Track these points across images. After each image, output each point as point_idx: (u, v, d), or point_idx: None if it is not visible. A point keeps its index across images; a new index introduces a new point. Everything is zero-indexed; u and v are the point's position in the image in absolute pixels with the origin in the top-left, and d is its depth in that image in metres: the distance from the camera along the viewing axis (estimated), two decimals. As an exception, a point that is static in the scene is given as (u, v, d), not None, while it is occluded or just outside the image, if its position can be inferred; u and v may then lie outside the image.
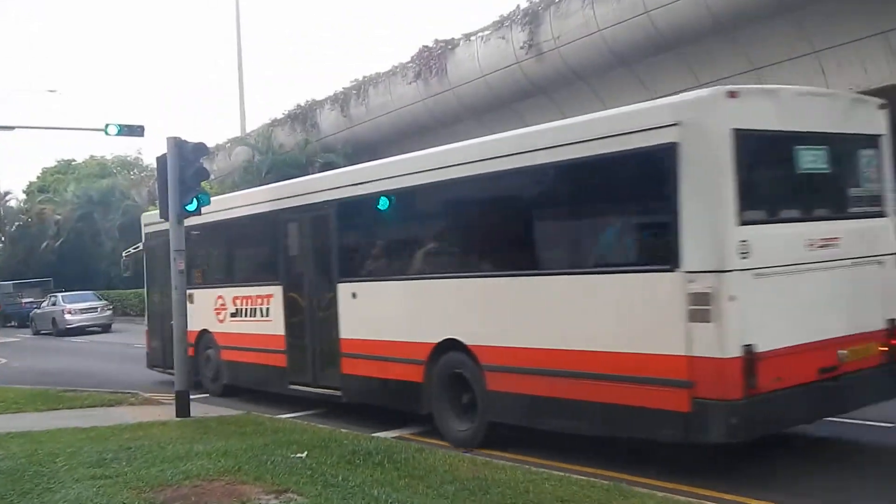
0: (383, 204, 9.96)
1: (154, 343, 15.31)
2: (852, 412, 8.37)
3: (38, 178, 68.48)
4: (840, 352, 7.54)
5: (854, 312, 7.78)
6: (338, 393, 10.79)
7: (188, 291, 12.35)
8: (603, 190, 7.92)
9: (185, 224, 11.66)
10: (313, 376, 10.97)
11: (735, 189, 6.99)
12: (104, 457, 8.48)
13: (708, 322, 6.90)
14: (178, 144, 11.53)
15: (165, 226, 12.46)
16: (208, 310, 13.40)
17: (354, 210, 10.26)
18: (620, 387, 7.53)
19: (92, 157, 67.52)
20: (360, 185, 10.44)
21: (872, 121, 8.33)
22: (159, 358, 15.09)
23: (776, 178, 7.75)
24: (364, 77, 28.27)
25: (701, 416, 7.00)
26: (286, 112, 32.32)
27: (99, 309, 31.28)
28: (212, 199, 11.95)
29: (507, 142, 8.73)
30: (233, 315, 12.99)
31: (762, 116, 7.36)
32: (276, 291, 11.98)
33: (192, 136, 11.74)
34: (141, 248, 15.82)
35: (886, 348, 7.95)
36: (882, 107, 8.44)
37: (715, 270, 6.93)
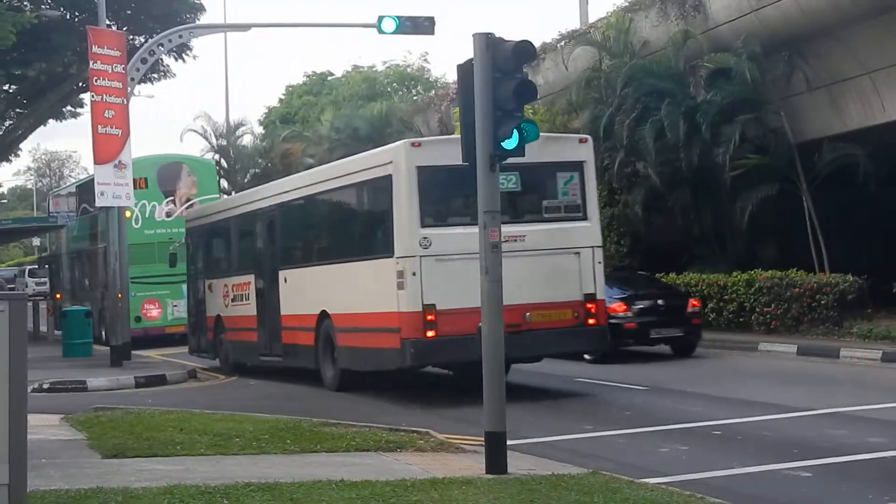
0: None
1: (192, 331, 28.84)
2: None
3: (281, 101, 73.85)
4: (526, 314, 18.10)
5: (543, 287, 18.42)
6: None
7: (209, 281, 27.70)
8: (369, 203, 20.45)
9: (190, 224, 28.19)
10: None
11: (418, 204, 18.13)
12: (383, 529, 9.00)
13: (403, 289, 17.97)
14: (490, 45, 11.80)
15: (206, 220, 28.37)
16: (219, 296, 26.83)
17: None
18: (378, 335, 18.73)
19: (356, 68, 71.44)
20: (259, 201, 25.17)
21: (572, 151, 19.38)
22: (195, 344, 28.54)
23: (459, 195, 18.32)
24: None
25: (403, 350, 18.05)
26: (652, -13, 32.27)
27: None
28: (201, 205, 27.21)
29: (316, 174, 23.68)
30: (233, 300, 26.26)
31: (444, 156, 17.65)
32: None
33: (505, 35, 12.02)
34: (183, 242, 29.59)
35: (578, 314, 18.72)
36: (582, 141, 19.82)
37: (406, 256, 18.04)
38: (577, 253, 18.88)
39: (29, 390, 21.85)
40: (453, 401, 18.72)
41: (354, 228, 21.12)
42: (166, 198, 35.22)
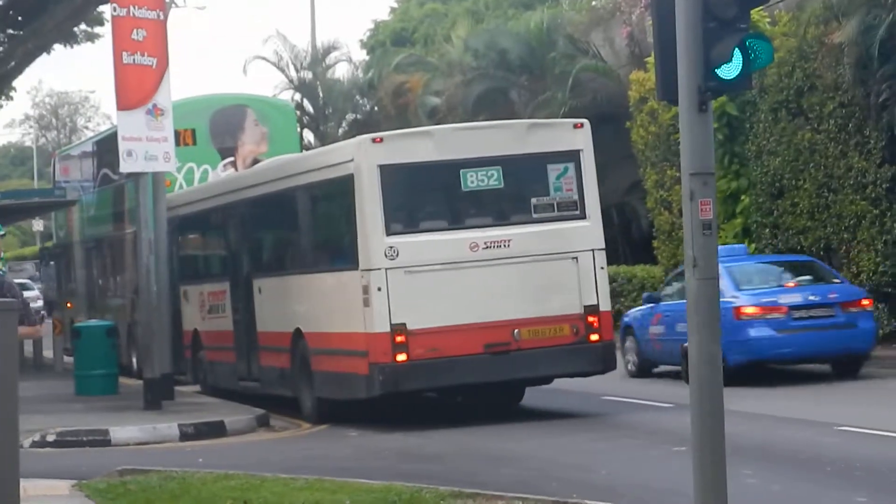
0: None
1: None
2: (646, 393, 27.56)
3: (394, 12, 74.27)
4: (515, 331, 23.50)
5: (534, 299, 23.70)
6: None
7: (183, 287, 33.59)
8: (332, 207, 27.06)
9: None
10: None
11: (381, 208, 23.55)
12: None
13: (368, 306, 23.52)
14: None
15: (178, 210, 32.52)
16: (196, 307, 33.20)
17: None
18: (348, 359, 24.31)
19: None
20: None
21: (564, 139, 24.78)
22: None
23: (430, 197, 25.07)
24: None
25: (370, 377, 23.56)
26: None
27: None
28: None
29: (276, 168, 29.54)
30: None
31: (409, 153, 24.18)
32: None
33: None
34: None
35: (578, 329, 23.90)
36: (578, 126, 24.90)
37: (369, 269, 23.57)
38: (575, 258, 24.03)
39: (25, 444, 22.22)
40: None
41: (321, 235, 27.49)
42: (224, 158, 35.39)
